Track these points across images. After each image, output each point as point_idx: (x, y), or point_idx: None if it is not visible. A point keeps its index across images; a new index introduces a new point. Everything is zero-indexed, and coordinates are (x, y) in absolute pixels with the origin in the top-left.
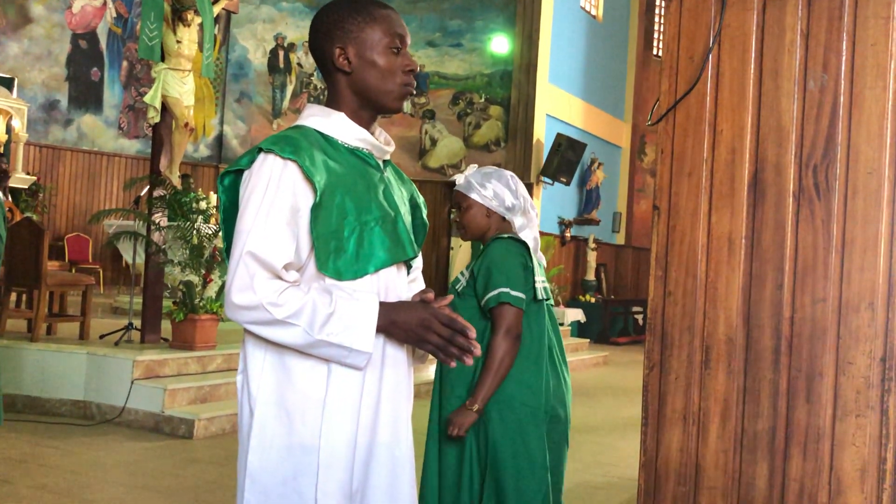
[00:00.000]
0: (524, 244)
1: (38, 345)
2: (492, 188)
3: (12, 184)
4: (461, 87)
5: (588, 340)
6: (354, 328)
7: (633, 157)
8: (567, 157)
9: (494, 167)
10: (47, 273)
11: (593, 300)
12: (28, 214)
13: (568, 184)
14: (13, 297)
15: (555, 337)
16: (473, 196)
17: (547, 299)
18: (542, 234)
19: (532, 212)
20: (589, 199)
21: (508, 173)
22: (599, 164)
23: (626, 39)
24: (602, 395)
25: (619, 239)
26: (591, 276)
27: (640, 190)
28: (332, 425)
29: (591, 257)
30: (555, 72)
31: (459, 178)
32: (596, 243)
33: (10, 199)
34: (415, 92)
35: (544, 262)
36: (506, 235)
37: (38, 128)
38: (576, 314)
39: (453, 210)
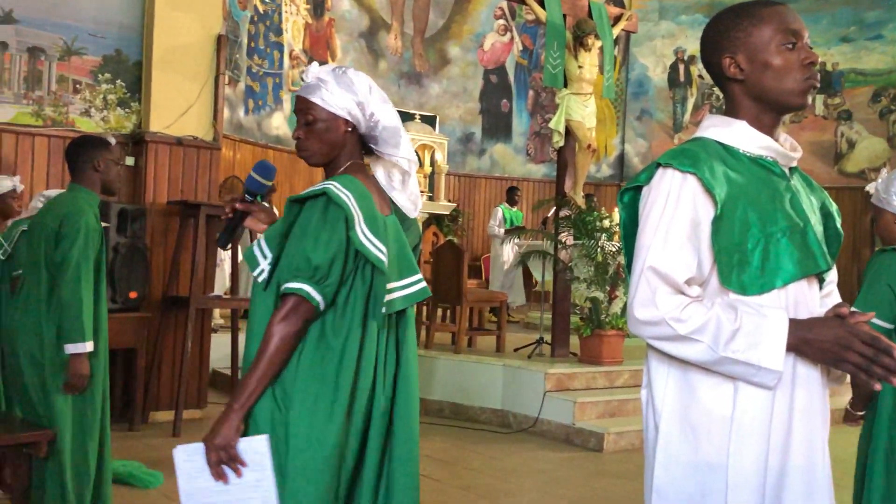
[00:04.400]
0: None
1: (461, 356)
2: (894, 192)
3: (436, 210)
4: (883, 83)
5: None
6: (761, 345)
7: None
8: None
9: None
10: (467, 290)
11: None
12: (450, 238)
13: None
14: (439, 312)
15: None
16: (884, 206)
17: None
18: None
19: None
20: None
21: None
22: None
23: None
24: None
25: None
26: None
27: None
28: (740, 445)
29: None
30: None
31: (871, 188)
32: None
33: (434, 224)
34: (818, 84)
35: None
36: (889, 248)
37: (456, 159)
38: None
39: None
